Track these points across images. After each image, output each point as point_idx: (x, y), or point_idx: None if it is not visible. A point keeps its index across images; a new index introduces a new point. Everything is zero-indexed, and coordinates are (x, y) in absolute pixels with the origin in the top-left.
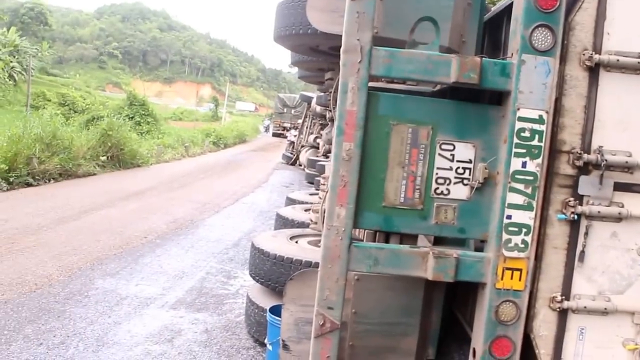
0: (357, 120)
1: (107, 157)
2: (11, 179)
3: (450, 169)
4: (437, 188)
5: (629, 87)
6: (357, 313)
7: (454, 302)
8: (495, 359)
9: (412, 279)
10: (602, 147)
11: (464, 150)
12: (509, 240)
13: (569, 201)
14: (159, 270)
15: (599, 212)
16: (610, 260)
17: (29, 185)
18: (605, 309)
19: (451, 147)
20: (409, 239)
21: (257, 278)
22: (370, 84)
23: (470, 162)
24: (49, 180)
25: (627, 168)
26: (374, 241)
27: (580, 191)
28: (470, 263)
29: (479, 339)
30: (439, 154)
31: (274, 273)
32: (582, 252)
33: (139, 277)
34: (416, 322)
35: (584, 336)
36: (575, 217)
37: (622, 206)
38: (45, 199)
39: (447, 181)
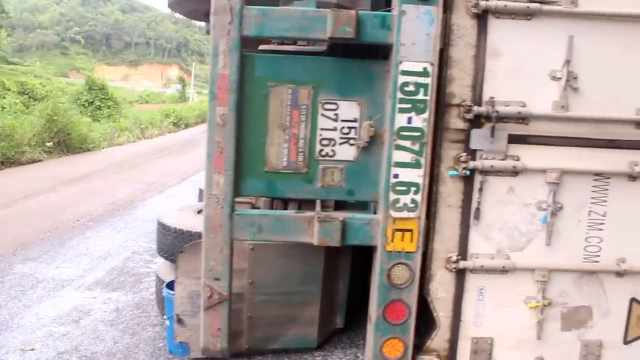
0: (230, 83)
1: (54, 143)
2: None
3: (335, 129)
4: (322, 150)
5: (519, 33)
6: (253, 283)
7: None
8: (389, 324)
9: (310, 246)
10: (493, 98)
11: (348, 109)
12: (397, 200)
13: (461, 156)
14: (84, 253)
15: (492, 166)
16: (507, 217)
17: None
18: (504, 267)
19: (334, 107)
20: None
21: (162, 253)
22: (262, 47)
23: (355, 121)
24: None
25: (521, 119)
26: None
27: (472, 145)
28: (358, 226)
29: (373, 304)
30: (322, 114)
31: (176, 247)
32: (478, 209)
33: (60, 260)
34: (317, 290)
35: (484, 296)
36: (468, 172)
37: (518, 159)
38: None
39: (332, 142)
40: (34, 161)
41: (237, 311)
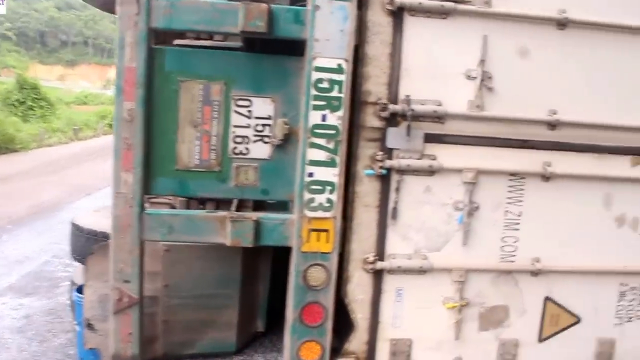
0: (138, 77)
1: None
2: None
3: (248, 126)
4: (235, 147)
5: (435, 31)
6: (168, 286)
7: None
8: (306, 327)
9: (227, 248)
10: (409, 96)
11: (262, 106)
12: (312, 200)
13: (377, 155)
14: None
15: (408, 165)
16: (425, 217)
17: None
18: (421, 267)
19: (248, 103)
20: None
21: (76, 256)
22: (177, 41)
23: (269, 118)
24: None
25: (437, 117)
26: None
27: (389, 144)
28: (273, 226)
29: (289, 307)
30: (235, 111)
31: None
32: (395, 209)
33: None
34: (235, 293)
35: (402, 297)
36: (385, 172)
37: (435, 158)
38: None
39: (246, 139)
40: None
41: (151, 315)
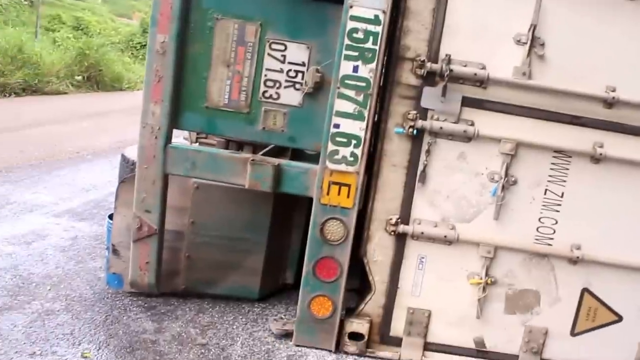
0: (173, 10)
1: (83, 77)
2: None
3: (281, 71)
4: (266, 91)
5: None
6: (195, 223)
7: None
8: (319, 281)
9: (259, 194)
10: (449, 55)
11: (297, 52)
12: (336, 152)
13: (409, 114)
14: (69, 183)
15: (441, 128)
16: (456, 184)
17: None
18: (446, 237)
19: (282, 47)
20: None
21: None
22: None
23: (303, 64)
24: (9, 95)
25: (479, 81)
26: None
27: (423, 104)
28: (294, 174)
29: (305, 258)
30: (269, 54)
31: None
32: (424, 172)
33: (41, 187)
34: (262, 240)
35: (424, 265)
36: (415, 132)
37: (472, 124)
38: None
39: (277, 84)
40: (58, 92)
41: (175, 249)
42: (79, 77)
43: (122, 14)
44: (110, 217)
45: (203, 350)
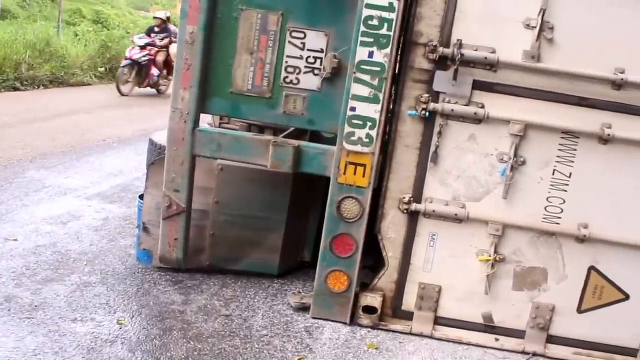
0: (202, 3)
1: (106, 69)
2: None
3: (301, 57)
4: (287, 77)
5: None
6: (219, 203)
7: None
8: (335, 256)
9: (279, 175)
10: (460, 40)
11: (316, 39)
12: (352, 134)
13: (422, 97)
14: (97, 168)
15: (453, 110)
16: (467, 165)
17: (16, 89)
18: (457, 215)
19: (302, 35)
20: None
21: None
22: None
23: (322, 51)
24: (38, 87)
25: (489, 65)
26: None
27: (436, 87)
28: (313, 155)
29: (323, 235)
30: (290, 42)
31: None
32: (436, 153)
33: (73, 172)
34: (282, 219)
35: (435, 242)
36: (427, 114)
37: (482, 107)
38: (25, 102)
39: (298, 70)
40: (82, 84)
41: (201, 228)
42: (102, 69)
43: (140, 7)
44: (141, 197)
45: (227, 321)
